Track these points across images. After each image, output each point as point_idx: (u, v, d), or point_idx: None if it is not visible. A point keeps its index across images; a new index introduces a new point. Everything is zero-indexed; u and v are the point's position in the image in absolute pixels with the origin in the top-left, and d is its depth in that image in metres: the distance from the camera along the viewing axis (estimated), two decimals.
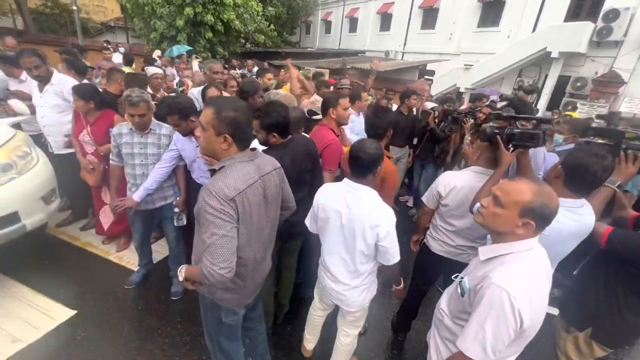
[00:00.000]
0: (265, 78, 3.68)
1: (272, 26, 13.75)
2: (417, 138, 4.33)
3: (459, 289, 1.23)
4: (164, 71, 4.87)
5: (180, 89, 4.23)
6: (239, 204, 1.21)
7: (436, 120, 4.08)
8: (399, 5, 17.71)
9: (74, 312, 2.38)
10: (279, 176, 1.48)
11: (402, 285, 1.81)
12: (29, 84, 3.16)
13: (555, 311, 1.89)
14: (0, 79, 3.25)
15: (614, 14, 9.93)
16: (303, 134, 2.24)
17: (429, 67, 13.28)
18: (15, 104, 2.87)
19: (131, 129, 2.25)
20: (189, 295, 2.62)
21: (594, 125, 2.56)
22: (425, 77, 10.40)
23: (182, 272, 1.31)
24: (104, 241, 3.21)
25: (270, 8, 14.02)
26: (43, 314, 2.34)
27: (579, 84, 10.66)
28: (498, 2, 13.21)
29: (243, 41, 13.65)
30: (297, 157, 1.89)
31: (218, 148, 1.24)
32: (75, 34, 10.63)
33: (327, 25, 23.56)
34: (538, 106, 11.21)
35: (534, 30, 12.16)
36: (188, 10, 9.71)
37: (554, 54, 11.01)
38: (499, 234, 1.17)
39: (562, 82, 11.31)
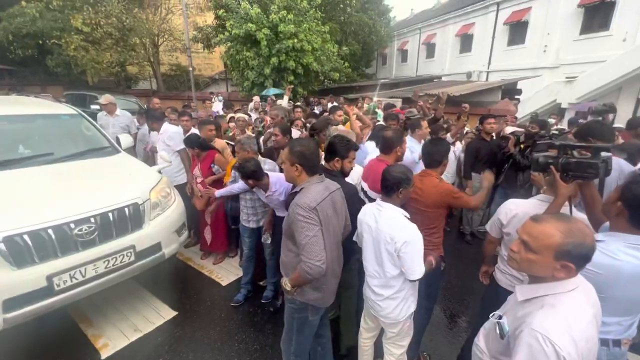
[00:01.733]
0: (336, 115, 4.04)
1: (346, 63, 14.63)
2: (497, 166, 4.04)
3: (497, 329, 1.16)
4: (250, 115, 5.81)
5: (261, 124, 4.94)
6: (320, 212, 1.59)
7: (522, 146, 3.78)
8: (480, 25, 16.95)
9: (176, 313, 2.93)
10: (341, 194, 1.84)
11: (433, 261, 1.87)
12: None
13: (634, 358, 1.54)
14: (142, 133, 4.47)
15: None
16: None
17: (519, 84, 12.11)
18: (164, 154, 3.55)
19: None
20: (262, 310, 2.96)
21: None
22: (509, 97, 9.49)
23: (286, 283, 1.66)
24: (202, 257, 3.86)
25: (344, 48, 15.03)
26: (155, 311, 2.94)
27: None
28: (606, 4, 11.49)
29: (321, 79, 14.83)
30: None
31: (294, 175, 1.70)
32: (190, 88, 13.27)
33: (404, 54, 23.81)
34: None
35: None
36: (273, 60, 11.21)
37: None
38: (538, 278, 1.10)
39: None
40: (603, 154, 1.41)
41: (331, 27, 14.05)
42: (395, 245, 1.65)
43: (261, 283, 3.27)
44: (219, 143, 3.72)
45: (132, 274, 2.55)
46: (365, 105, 6.75)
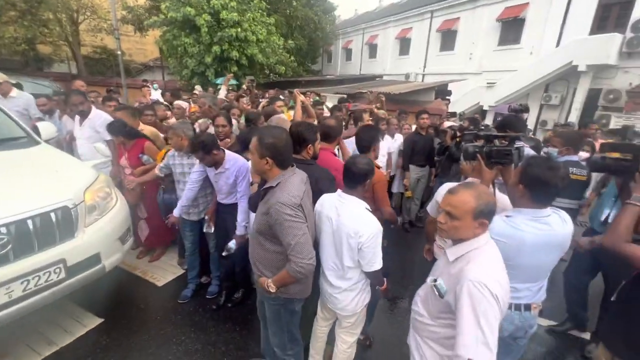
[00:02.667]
0: (275, 105, 4.00)
1: (292, 57, 14.54)
2: (432, 158, 4.38)
3: (435, 291, 1.27)
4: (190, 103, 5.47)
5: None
6: (304, 207, 1.51)
7: (457, 139, 4.12)
8: (416, 30, 18.17)
9: (101, 320, 2.61)
10: (308, 182, 1.74)
11: (385, 285, 1.89)
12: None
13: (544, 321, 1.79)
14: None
15: None
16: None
17: (450, 87, 13.33)
18: (100, 147, 3.04)
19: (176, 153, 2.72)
20: (203, 308, 2.80)
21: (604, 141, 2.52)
22: (441, 97, 10.42)
23: (270, 284, 1.55)
24: (139, 255, 3.51)
25: (290, 41, 14.91)
26: (76, 321, 2.59)
27: (611, 96, 10.18)
28: (517, 20, 13.20)
29: (266, 72, 14.52)
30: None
31: (263, 168, 1.55)
32: (119, 74, 11.91)
33: (348, 53, 24.49)
34: (569, 120, 10.75)
35: (557, 44, 11.93)
36: (215, 49, 10.64)
37: (582, 68, 10.68)
38: (463, 240, 1.27)
39: (593, 95, 10.86)
40: (517, 143, 1.62)
41: (277, 20, 13.82)
42: (360, 240, 1.61)
43: (202, 280, 3.09)
44: (150, 130, 3.39)
45: (63, 293, 2.09)
46: (311, 100, 6.82)
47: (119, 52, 11.79)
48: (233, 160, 2.46)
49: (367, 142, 2.29)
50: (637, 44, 9.66)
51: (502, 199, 1.74)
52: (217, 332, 2.55)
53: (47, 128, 3.06)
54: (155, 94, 8.10)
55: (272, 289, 1.55)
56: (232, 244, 2.47)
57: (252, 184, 2.39)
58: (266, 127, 1.99)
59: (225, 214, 2.64)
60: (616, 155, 1.64)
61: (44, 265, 1.96)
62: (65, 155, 2.90)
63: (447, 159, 4.19)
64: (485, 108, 13.31)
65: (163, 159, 2.88)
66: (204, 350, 2.38)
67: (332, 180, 1.99)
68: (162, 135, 3.53)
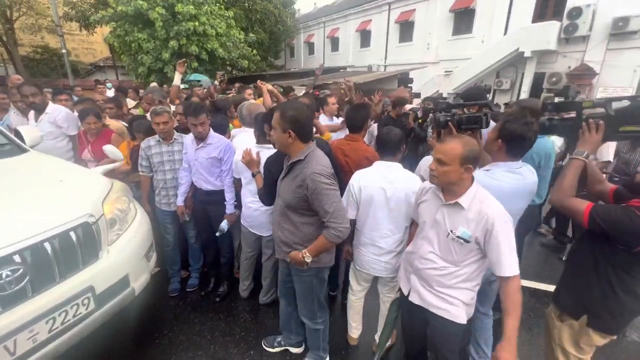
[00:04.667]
0: (245, 94, 3.95)
1: (254, 51, 14.28)
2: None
3: (460, 240, 1.43)
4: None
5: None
6: (333, 176, 1.60)
7: (420, 121, 4.29)
8: (376, 22, 18.56)
9: None
10: None
11: None
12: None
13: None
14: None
15: (577, 12, 10.50)
16: None
17: (411, 75, 13.84)
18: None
19: (158, 140, 2.57)
20: (187, 300, 2.74)
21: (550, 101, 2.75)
22: (404, 85, 10.82)
23: (306, 254, 1.61)
24: None
25: (251, 35, 14.63)
26: None
27: (554, 79, 11.10)
28: (469, 11, 13.93)
29: (229, 68, 14.15)
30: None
31: (287, 142, 1.57)
32: (66, 75, 11.01)
33: (310, 47, 24.47)
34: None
35: (505, 33, 12.77)
36: (173, 44, 10.18)
37: (527, 54, 11.54)
38: (452, 184, 1.43)
39: (538, 78, 11.78)
40: (484, 109, 1.76)
41: (235, 13, 13.47)
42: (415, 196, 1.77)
43: (182, 274, 3.01)
44: (116, 125, 3.22)
45: (92, 327, 1.73)
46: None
47: (64, 51, 10.92)
48: (217, 137, 2.53)
49: (360, 122, 2.39)
50: (572, 30, 10.59)
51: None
52: (201, 322, 2.51)
53: (30, 133, 2.56)
54: (110, 94, 7.61)
55: (309, 259, 1.62)
56: (224, 224, 2.51)
57: (254, 174, 2.23)
58: (286, 102, 2.04)
59: (206, 203, 2.60)
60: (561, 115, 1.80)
61: (70, 296, 1.58)
62: (64, 162, 2.46)
63: (413, 140, 4.39)
64: (444, 95, 13.96)
65: (132, 153, 2.76)
66: (190, 341, 2.34)
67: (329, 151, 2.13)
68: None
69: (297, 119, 1.54)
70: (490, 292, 1.86)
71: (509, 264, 1.32)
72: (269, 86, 3.44)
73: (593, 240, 1.42)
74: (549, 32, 10.98)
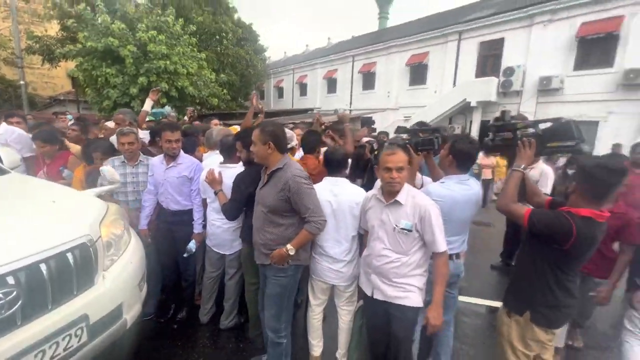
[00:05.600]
0: (211, 123, 4.11)
1: (225, 91, 14.72)
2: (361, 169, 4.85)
3: (404, 231, 1.69)
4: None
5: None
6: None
7: (376, 152, 4.64)
8: (341, 72, 20.14)
9: None
10: None
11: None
12: None
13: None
14: None
15: (510, 71, 12.28)
16: None
17: (373, 118, 14.89)
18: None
19: (123, 161, 2.55)
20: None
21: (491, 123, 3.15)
22: (367, 126, 11.62)
23: (290, 247, 1.81)
24: None
25: (222, 75, 15.16)
26: None
27: None
28: (422, 65, 15.72)
29: (198, 107, 14.34)
30: None
31: (266, 153, 1.81)
32: (21, 107, 10.52)
33: (280, 91, 25.70)
34: None
35: (454, 85, 14.44)
36: (142, 80, 10.26)
37: (473, 104, 13.04)
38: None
39: (484, 125, 13.22)
40: (436, 134, 2.08)
41: (208, 55, 14.02)
42: (360, 207, 2.00)
43: None
44: (76, 148, 3.14)
45: None
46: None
47: (22, 83, 10.53)
48: (188, 157, 2.61)
49: (312, 144, 2.69)
50: (508, 85, 12.27)
51: (426, 179, 2.20)
52: (157, 350, 2.34)
53: (9, 155, 2.44)
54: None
55: (293, 251, 1.81)
56: (192, 244, 2.49)
57: (217, 192, 2.33)
58: (265, 120, 2.25)
59: (172, 224, 2.57)
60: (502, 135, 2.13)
61: (63, 326, 1.41)
62: (52, 183, 2.32)
63: (370, 169, 4.70)
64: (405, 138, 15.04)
65: (88, 175, 2.68)
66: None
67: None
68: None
69: (276, 132, 1.82)
70: (450, 299, 1.99)
71: (440, 241, 1.65)
72: (260, 104, 3.61)
73: (532, 244, 1.65)
74: (489, 86, 12.61)
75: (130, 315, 1.83)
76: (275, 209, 1.83)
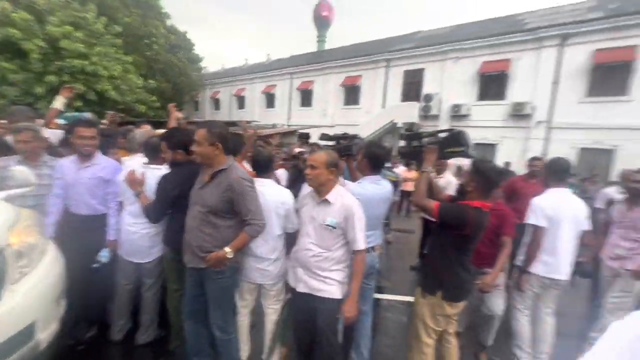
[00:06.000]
0: (141, 126, 3.84)
1: (154, 98, 13.77)
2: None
3: (329, 228, 1.80)
4: None
5: None
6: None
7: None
8: (280, 87, 20.49)
9: None
10: None
11: None
12: None
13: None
14: None
15: (429, 97, 13.95)
16: None
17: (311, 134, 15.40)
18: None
19: (19, 162, 2.20)
20: None
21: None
22: (304, 140, 11.99)
23: (228, 250, 1.79)
24: None
25: (151, 81, 14.20)
26: None
27: None
28: (355, 87, 16.93)
29: (122, 114, 13.11)
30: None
31: (212, 154, 1.80)
32: None
33: (216, 103, 24.93)
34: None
35: (383, 107, 15.80)
36: (51, 79, 9.05)
37: (399, 124, 14.37)
38: (322, 185, 1.83)
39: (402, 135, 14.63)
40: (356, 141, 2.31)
41: (135, 59, 13.02)
42: (286, 207, 2.07)
43: None
44: None
45: None
46: None
47: None
48: (105, 158, 2.45)
49: (234, 147, 2.61)
50: (427, 110, 13.90)
51: (348, 184, 2.37)
52: None
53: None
54: None
55: (231, 254, 1.80)
56: (105, 253, 2.24)
57: (138, 193, 2.17)
58: (211, 121, 2.19)
59: (82, 230, 2.29)
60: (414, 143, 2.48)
61: None
62: None
63: (302, 180, 4.96)
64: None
65: None
66: None
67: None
68: None
69: (224, 134, 1.84)
70: (367, 291, 2.16)
71: (360, 240, 1.79)
72: (179, 114, 3.45)
73: (441, 233, 1.96)
74: (412, 110, 14.11)
75: (45, 335, 1.60)
76: (216, 210, 1.82)
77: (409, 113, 14.12)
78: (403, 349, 2.64)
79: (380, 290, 3.59)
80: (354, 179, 2.32)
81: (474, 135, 12.24)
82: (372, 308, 2.30)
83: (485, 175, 1.86)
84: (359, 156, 2.25)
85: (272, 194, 2.08)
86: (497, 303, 2.57)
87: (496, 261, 2.35)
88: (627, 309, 2.54)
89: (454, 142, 2.10)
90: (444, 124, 13.85)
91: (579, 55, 10.84)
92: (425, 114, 14.04)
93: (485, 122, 12.81)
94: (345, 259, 1.87)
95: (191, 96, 22.70)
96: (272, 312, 2.19)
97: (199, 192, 1.89)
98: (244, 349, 2.21)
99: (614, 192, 3.57)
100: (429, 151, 2.10)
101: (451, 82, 13.70)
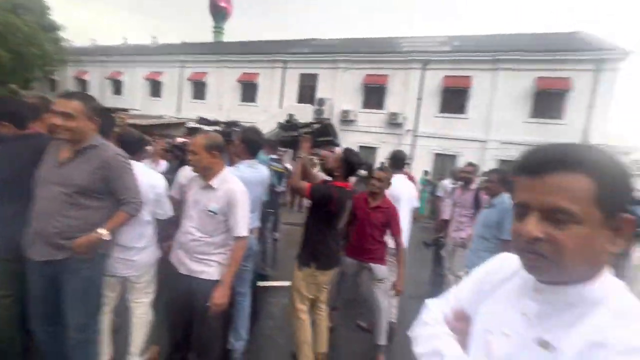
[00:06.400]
0: None
1: None
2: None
3: (211, 214, 1.77)
4: None
5: None
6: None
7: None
8: (168, 76, 18.51)
9: None
10: None
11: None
12: None
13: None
14: None
15: (321, 101, 14.95)
16: None
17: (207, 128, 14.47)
18: None
19: None
20: None
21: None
22: (193, 133, 11.29)
23: (101, 232, 1.62)
24: None
25: None
26: None
27: None
28: (253, 84, 16.73)
29: None
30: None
31: (89, 129, 1.65)
32: None
33: (82, 84, 20.72)
34: None
35: (280, 107, 16.10)
36: None
37: None
38: (206, 169, 1.80)
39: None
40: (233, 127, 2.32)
41: None
42: (157, 190, 1.98)
43: None
44: None
45: None
46: None
47: None
48: None
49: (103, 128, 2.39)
50: (320, 113, 14.80)
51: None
52: None
53: None
54: None
55: (108, 236, 1.65)
56: None
57: None
58: (82, 94, 1.81)
59: None
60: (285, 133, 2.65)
61: None
62: None
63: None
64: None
65: None
66: None
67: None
68: None
69: (99, 110, 1.74)
70: (245, 273, 2.22)
71: (242, 227, 1.78)
72: None
73: (313, 211, 2.22)
74: (307, 112, 14.80)
75: None
76: (86, 190, 1.63)
77: (304, 114, 14.74)
78: (286, 330, 2.80)
79: (264, 277, 3.70)
80: (232, 163, 2.35)
81: (360, 139, 13.92)
82: (250, 290, 2.37)
83: (351, 164, 2.20)
84: (237, 140, 2.30)
85: (142, 176, 1.92)
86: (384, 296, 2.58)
87: (399, 264, 2.53)
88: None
89: (325, 133, 2.37)
90: (335, 127, 15.05)
91: (434, 79, 13.47)
92: (319, 117, 14.97)
93: (368, 128, 14.55)
94: (227, 243, 1.87)
95: (45, 72, 18.16)
96: (139, 306, 2.02)
97: (57, 171, 1.61)
98: (105, 353, 1.96)
99: (448, 183, 4.63)
100: (304, 140, 2.31)
101: (341, 89, 15.03)
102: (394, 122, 13.93)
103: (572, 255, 0.50)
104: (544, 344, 0.52)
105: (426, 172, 11.71)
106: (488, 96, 12.66)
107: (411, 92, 13.87)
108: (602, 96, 11.24)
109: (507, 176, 2.65)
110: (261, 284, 3.56)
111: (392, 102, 14.19)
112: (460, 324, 0.69)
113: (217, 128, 2.59)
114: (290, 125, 2.55)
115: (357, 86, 14.79)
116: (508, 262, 0.68)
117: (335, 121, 14.99)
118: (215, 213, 1.77)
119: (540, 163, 0.53)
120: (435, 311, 0.75)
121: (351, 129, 14.88)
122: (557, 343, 0.51)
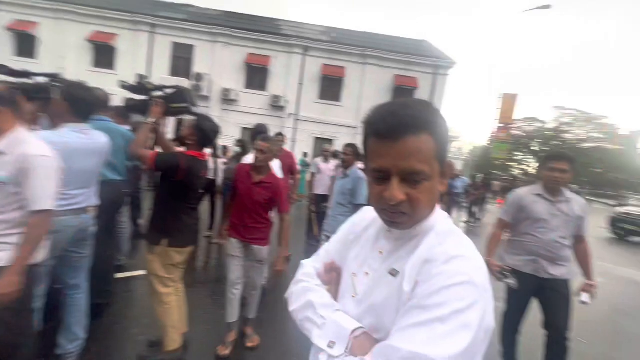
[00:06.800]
0: None
1: None
2: None
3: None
4: None
5: None
6: None
7: None
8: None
9: None
10: None
11: None
12: None
13: None
14: None
15: (199, 77, 13.67)
16: None
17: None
18: None
19: None
20: None
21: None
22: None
23: None
24: None
25: None
26: None
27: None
28: (109, 47, 13.84)
29: None
30: None
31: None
32: None
33: None
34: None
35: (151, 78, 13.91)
36: None
37: None
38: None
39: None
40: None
41: None
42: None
43: None
44: None
45: None
46: None
47: None
48: None
49: None
50: (197, 90, 13.57)
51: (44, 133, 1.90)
52: None
53: None
54: None
55: None
56: None
57: None
58: None
59: None
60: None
61: None
62: None
63: None
64: None
65: None
66: None
67: None
68: None
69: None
70: (81, 259, 1.86)
71: (40, 199, 1.45)
72: None
73: (162, 183, 1.99)
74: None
75: None
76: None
77: None
78: (141, 320, 2.52)
79: (120, 268, 3.21)
80: (55, 125, 1.88)
81: (244, 120, 13.45)
82: (87, 280, 1.99)
83: (205, 132, 2.03)
84: (58, 99, 1.84)
85: None
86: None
87: (283, 240, 2.33)
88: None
89: (179, 99, 2.14)
90: (215, 105, 14.11)
91: (314, 65, 14.15)
92: (196, 93, 13.68)
93: (251, 109, 14.20)
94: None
95: None
96: None
97: None
98: None
99: (319, 160, 5.06)
100: (157, 105, 2.05)
101: (221, 66, 14.08)
102: (276, 105, 14.03)
103: (424, 206, 0.59)
104: (393, 272, 0.61)
105: (305, 154, 12.35)
106: (358, 87, 14.18)
107: (293, 76, 14.19)
108: (437, 95, 14.19)
109: (359, 150, 3.02)
110: (119, 275, 3.10)
111: (275, 85, 14.22)
112: (331, 275, 0.75)
113: (27, 80, 1.98)
114: (139, 87, 2.19)
115: (239, 65, 14.13)
116: (368, 214, 0.77)
117: (214, 100, 14.05)
118: (3, 183, 1.41)
119: (394, 128, 0.56)
120: (308, 268, 0.79)
121: (233, 108, 14.23)
122: (402, 268, 0.60)
